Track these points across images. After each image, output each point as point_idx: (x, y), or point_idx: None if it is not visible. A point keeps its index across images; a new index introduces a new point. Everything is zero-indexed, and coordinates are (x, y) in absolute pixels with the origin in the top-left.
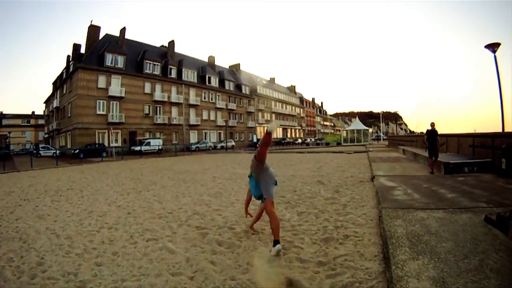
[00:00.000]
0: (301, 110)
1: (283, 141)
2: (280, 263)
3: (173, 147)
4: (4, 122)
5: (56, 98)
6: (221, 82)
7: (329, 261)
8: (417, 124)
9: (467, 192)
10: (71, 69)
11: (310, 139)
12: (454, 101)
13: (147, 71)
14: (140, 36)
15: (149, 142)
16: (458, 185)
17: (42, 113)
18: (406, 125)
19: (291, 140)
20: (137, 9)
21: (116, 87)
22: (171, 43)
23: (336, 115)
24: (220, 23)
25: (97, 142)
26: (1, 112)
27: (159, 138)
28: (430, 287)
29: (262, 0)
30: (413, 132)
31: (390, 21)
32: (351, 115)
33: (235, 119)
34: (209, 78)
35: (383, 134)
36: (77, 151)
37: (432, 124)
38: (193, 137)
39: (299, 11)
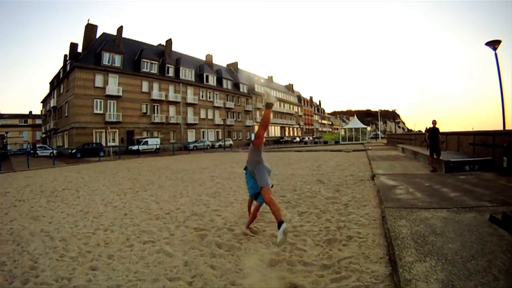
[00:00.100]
0: (299, 108)
1: (281, 140)
2: (282, 266)
3: (171, 146)
4: (1, 122)
5: (53, 97)
6: (219, 81)
7: (333, 264)
8: (415, 122)
9: (469, 191)
10: (68, 68)
11: (308, 138)
12: (451, 99)
13: (145, 70)
14: (138, 34)
15: (147, 141)
16: (460, 184)
17: (39, 112)
18: (404, 124)
19: (289, 139)
20: (135, 8)
21: (113, 86)
22: (169, 42)
23: (334, 114)
24: (218, 22)
25: (94, 141)
26: None
27: (156, 137)
28: None
29: None
30: (411, 130)
31: (388, 19)
32: (349, 114)
33: (233, 117)
34: (207, 76)
35: (381, 132)
36: (74, 150)
37: (434, 122)
38: (191, 136)
39: (297, 10)
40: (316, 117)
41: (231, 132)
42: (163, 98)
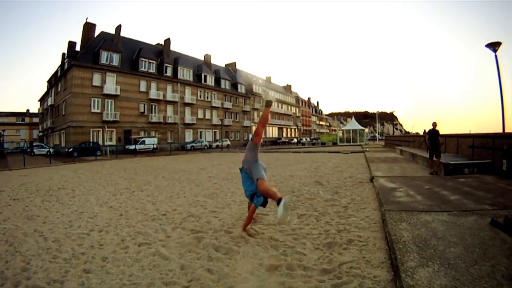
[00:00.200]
0: (297, 109)
1: (278, 141)
2: (282, 271)
3: (168, 146)
4: None
5: (51, 96)
6: (217, 81)
7: (334, 269)
8: (413, 124)
9: (469, 194)
10: (66, 67)
11: (306, 139)
12: (449, 101)
13: (143, 69)
14: (136, 34)
15: (144, 141)
16: (460, 187)
17: (36, 111)
18: (401, 125)
19: (287, 140)
20: (133, 7)
21: (111, 85)
22: (167, 41)
23: (332, 115)
24: (216, 22)
25: (91, 140)
26: None
27: (154, 137)
28: None
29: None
30: (408, 132)
31: (386, 20)
32: (346, 115)
33: (231, 118)
34: (205, 76)
35: (378, 134)
36: (71, 149)
37: (434, 124)
38: (188, 136)
39: (296, 10)
40: (313, 118)
41: (228, 133)
42: (161, 98)
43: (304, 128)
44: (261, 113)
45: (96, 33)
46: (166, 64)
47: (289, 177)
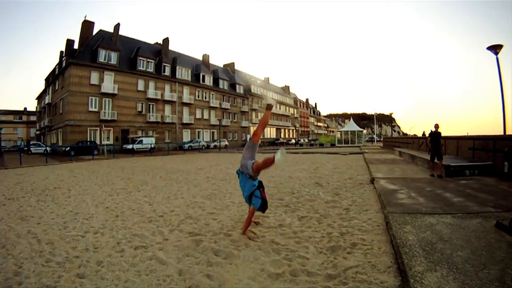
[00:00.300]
0: (295, 110)
1: (276, 142)
2: (285, 277)
3: (166, 146)
4: None
5: (48, 94)
6: (215, 81)
7: (339, 274)
8: (410, 126)
9: (472, 196)
10: (63, 65)
11: (304, 140)
12: (448, 103)
13: (141, 68)
14: (134, 32)
15: (142, 141)
16: (462, 189)
17: (34, 109)
18: (399, 127)
19: (285, 141)
20: (132, 6)
21: (109, 83)
22: (166, 41)
23: (330, 116)
24: (215, 22)
25: (88, 139)
26: None
27: (151, 136)
28: None
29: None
30: (406, 134)
31: (385, 22)
32: (344, 117)
33: (229, 118)
34: (203, 76)
35: (376, 136)
36: (68, 148)
37: (436, 126)
38: (186, 136)
39: (294, 12)
40: (311, 119)
41: (226, 133)
42: (159, 97)
43: (302, 129)
44: (259, 113)
45: (95, 31)
46: (165, 64)
47: (288, 178)
